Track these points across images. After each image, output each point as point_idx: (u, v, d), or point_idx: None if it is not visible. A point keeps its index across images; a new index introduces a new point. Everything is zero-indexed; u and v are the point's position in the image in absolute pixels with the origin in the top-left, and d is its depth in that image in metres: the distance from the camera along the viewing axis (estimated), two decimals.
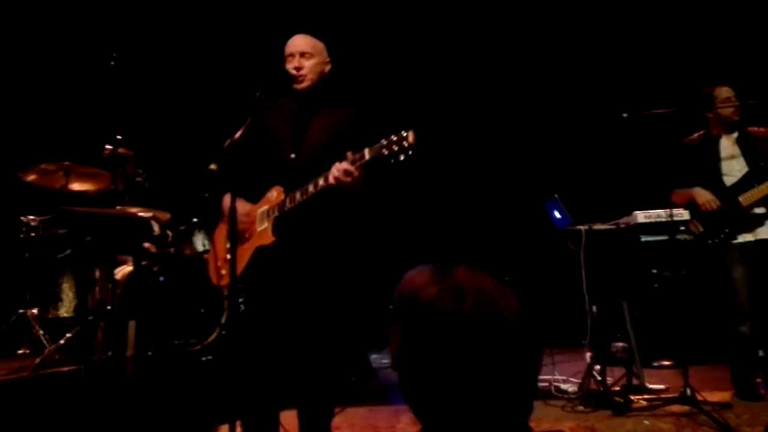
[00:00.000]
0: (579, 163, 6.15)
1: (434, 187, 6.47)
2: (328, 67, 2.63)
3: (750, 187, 3.57)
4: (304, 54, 2.54)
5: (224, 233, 2.60)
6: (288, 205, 2.38)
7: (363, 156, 2.21)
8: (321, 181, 2.29)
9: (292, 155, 2.49)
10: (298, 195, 2.35)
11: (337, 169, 2.22)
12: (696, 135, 3.87)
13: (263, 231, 2.44)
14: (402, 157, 2.13)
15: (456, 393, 0.87)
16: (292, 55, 2.55)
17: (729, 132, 3.74)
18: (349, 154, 2.23)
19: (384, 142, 2.16)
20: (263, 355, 2.42)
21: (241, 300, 2.57)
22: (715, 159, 3.71)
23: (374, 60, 6.29)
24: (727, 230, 3.59)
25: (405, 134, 2.12)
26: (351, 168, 2.21)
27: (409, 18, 6.33)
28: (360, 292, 5.24)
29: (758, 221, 3.58)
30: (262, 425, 2.44)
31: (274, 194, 2.45)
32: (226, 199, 2.53)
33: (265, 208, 2.47)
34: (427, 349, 0.89)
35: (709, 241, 3.63)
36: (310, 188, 2.32)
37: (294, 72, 2.50)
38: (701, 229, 3.66)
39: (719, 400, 3.37)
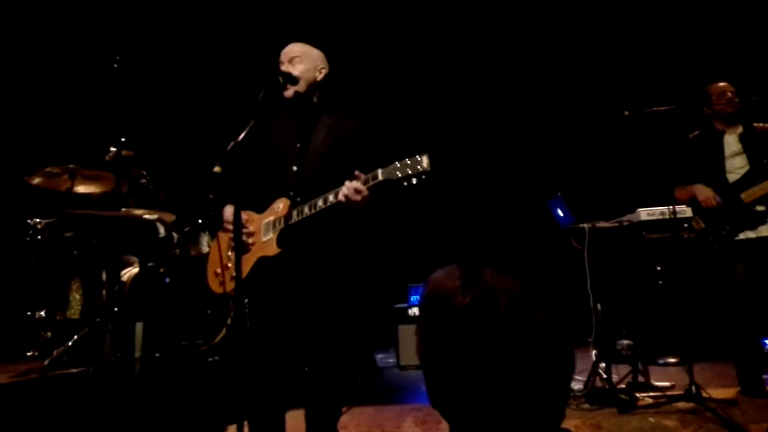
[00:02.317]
0: (581, 161, 6.15)
1: (439, 188, 6.47)
2: (321, 75, 2.60)
3: (752, 185, 3.57)
4: (293, 59, 2.56)
5: (223, 242, 2.61)
6: (295, 218, 2.38)
7: (376, 176, 2.20)
8: (331, 198, 2.29)
9: (294, 167, 2.49)
10: (306, 209, 2.36)
11: (347, 188, 2.22)
12: (698, 131, 3.88)
13: (268, 242, 2.44)
14: (415, 181, 2.13)
15: (489, 398, 0.86)
16: (281, 61, 2.58)
17: (731, 127, 3.75)
18: (361, 175, 2.23)
19: (398, 164, 2.15)
20: (269, 357, 2.43)
21: (246, 301, 2.59)
22: (719, 156, 3.71)
23: (372, 61, 6.30)
24: (728, 227, 3.60)
25: (420, 158, 2.11)
26: (362, 188, 2.21)
27: (408, 16, 6.34)
28: (366, 292, 5.26)
29: (760, 219, 3.58)
30: (268, 426, 2.45)
31: (280, 206, 2.45)
32: (227, 210, 2.54)
33: (270, 219, 2.47)
34: (460, 353, 0.87)
35: (711, 238, 3.64)
36: (320, 203, 2.32)
37: (280, 78, 2.50)
38: (703, 226, 3.67)
39: (725, 397, 3.37)
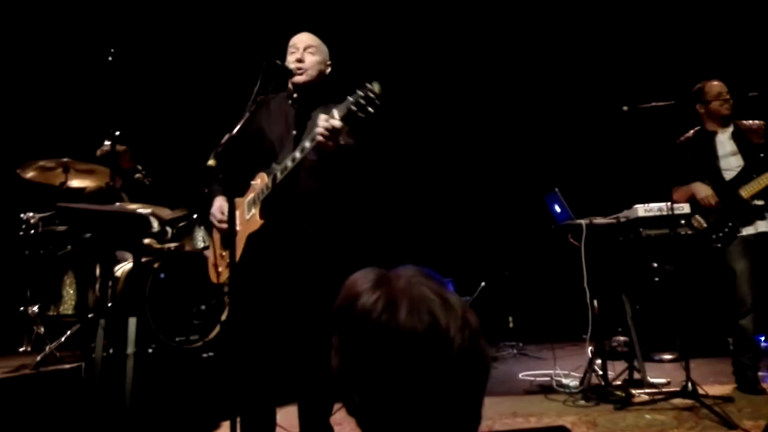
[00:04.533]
0: (579, 156, 6.14)
1: (438, 181, 6.48)
2: (328, 70, 2.64)
3: (750, 179, 3.57)
4: (308, 48, 2.56)
5: (218, 234, 2.63)
6: (272, 183, 2.39)
7: (333, 116, 2.21)
8: (297, 154, 2.31)
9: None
10: (278, 173, 2.37)
11: (314, 134, 2.23)
12: (691, 132, 3.86)
13: (251, 218, 2.46)
14: (371, 110, 2.14)
15: (393, 404, 0.83)
16: (296, 47, 2.56)
17: (723, 127, 3.74)
18: (322, 116, 2.23)
19: (350, 98, 2.16)
20: (260, 351, 2.41)
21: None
22: (713, 156, 3.70)
23: (368, 56, 6.26)
24: (730, 224, 3.58)
25: (370, 86, 2.13)
26: (326, 123, 2.20)
27: (406, 11, 6.31)
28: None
29: (759, 214, 3.58)
30: (259, 421, 2.43)
31: (258, 181, 2.48)
32: (216, 202, 2.55)
33: (250, 196, 2.49)
34: (361, 359, 0.85)
35: (714, 236, 3.62)
36: (288, 164, 2.34)
37: (296, 64, 2.50)
38: (705, 225, 3.65)
39: (721, 394, 3.38)
